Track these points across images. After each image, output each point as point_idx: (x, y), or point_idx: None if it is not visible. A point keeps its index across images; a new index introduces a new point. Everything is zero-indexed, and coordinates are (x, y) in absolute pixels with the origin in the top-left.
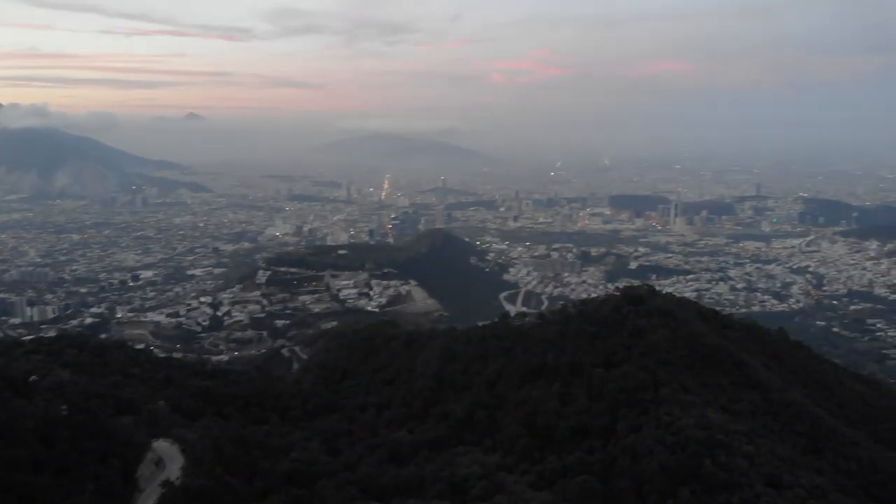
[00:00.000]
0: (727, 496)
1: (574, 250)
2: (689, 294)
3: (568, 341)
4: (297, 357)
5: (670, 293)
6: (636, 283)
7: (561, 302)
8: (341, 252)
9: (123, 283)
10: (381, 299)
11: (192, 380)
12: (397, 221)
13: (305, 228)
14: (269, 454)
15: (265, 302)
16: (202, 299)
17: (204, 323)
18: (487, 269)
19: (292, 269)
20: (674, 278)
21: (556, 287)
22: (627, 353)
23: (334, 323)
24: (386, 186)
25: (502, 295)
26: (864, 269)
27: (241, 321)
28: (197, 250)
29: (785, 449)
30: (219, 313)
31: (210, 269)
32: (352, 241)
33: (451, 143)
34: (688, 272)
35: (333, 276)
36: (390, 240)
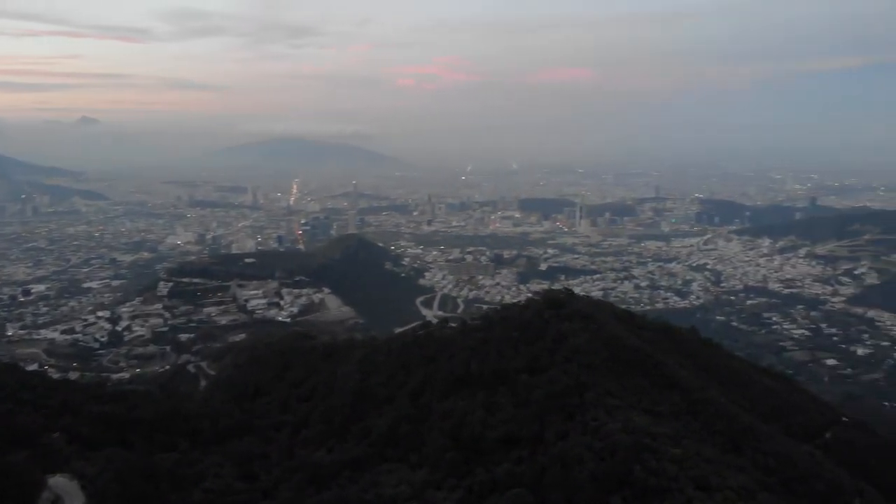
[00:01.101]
0: (659, 502)
1: (487, 253)
2: (596, 293)
3: (492, 348)
4: (204, 373)
5: (587, 296)
6: (547, 283)
7: (476, 304)
8: (248, 260)
9: (13, 298)
10: (292, 308)
11: (91, 404)
12: (308, 227)
13: (209, 236)
14: (180, 485)
15: (167, 315)
16: (100, 314)
17: (102, 339)
18: (403, 274)
19: (196, 280)
20: (581, 278)
21: (471, 290)
22: (551, 358)
23: (243, 335)
24: (294, 191)
25: (419, 300)
26: (759, 265)
27: (142, 336)
28: (93, 262)
29: (709, 449)
30: (118, 328)
31: (107, 281)
32: (259, 248)
33: (361, 147)
34: (594, 272)
35: (240, 286)
36: (301, 246)
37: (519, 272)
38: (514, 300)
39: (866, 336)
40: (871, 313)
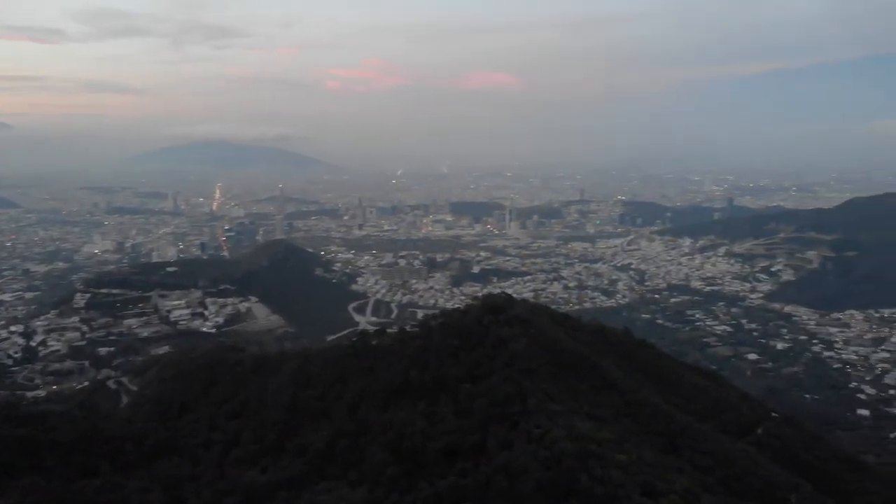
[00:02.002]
0: None
1: (420, 257)
2: (527, 294)
3: (431, 356)
4: (126, 389)
5: (525, 299)
6: (479, 286)
7: (410, 309)
8: (170, 269)
9: None
10: (217, 319)
11: (5, 426)
12: (232, 233)
13: (128, 244)
14: None
15: (85, 328)
16: (13, 328)
17: (16, 355)
18: (334, 280)
19: (115, 291)
20: (513, 280)
21: (404, 294)
22: (491, 365)
23: (166, 348)
24: (218, 196)
25: (351, 306)
26: (680, 264)
27: (58, 351)
28: (4, 273)
29: (649, 452)
30: (32, 343)
31: (20, 293)
32: (181, 256)
33: (288, 151)
34: (525, 273)
35: (162, 296)
36: (225, 253)
37: (452, 275)
38: (448, 303)
39: (784, 331)
40: (787, 308)
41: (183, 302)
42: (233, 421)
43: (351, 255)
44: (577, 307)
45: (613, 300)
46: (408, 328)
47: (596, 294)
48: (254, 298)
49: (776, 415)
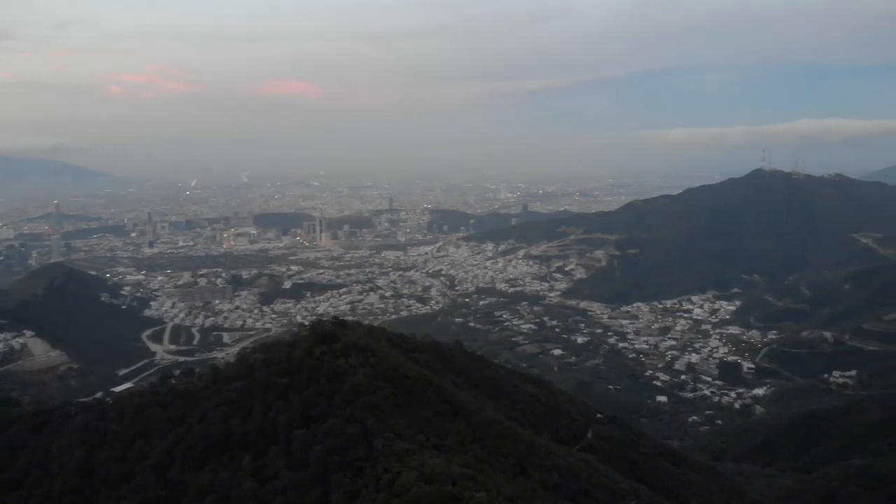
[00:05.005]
0: None
1: (223, 274)
2: (344, 307)
3: (255, 399)
4: None
5: (357, 322)
6: (292, 302)
7: (215, 332)
8: None
9: None
10: None
11: None
12: (0, 258)
13: None
14: None
15: None
16: None
17: None
18: (124, 306)
19: None
20: (328, 293)
21: (207, 317)
22: (329, 404)
23: None
24: None
25: (145, 333)
26: (486, 268)
27: None
28: None
29: (503, 480)
30: None
31: None
32: None
33: (64, 162)
34: (340, 286)
35: None
36: None
37: (261, 293)
38: (258, 323)
39: (582, 325)
40: (583, 304)
41: None
42: (11, 494)
43: (142, 277)
44: (394, 316)
45: (428, 307)
46: (221, 366)
47: (412, 302)
48: (29, 333)
49: (600, 415)
